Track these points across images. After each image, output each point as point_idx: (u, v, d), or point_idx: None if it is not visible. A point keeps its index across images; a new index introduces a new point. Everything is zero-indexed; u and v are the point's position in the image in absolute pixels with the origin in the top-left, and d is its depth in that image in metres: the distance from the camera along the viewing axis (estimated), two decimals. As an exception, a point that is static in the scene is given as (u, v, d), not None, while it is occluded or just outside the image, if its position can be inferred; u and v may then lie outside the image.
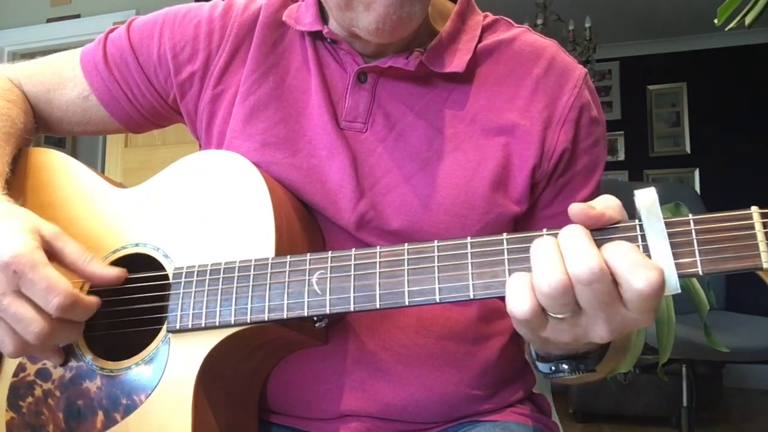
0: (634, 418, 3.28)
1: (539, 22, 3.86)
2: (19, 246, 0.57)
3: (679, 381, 2.39)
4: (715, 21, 1.18)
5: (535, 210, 0.73)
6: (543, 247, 0.47)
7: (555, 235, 0.48)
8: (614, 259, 0.46)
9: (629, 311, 0.47)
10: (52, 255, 0.61)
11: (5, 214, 0.61)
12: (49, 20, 4.19)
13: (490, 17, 0.78)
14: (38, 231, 0.61)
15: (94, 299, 0.61)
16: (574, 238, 0.47)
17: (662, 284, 0.44)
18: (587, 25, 3.99)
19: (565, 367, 0.57)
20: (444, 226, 0.68)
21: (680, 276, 0.46)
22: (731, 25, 1.18)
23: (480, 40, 0.74)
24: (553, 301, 0.46)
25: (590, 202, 0.50)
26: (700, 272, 0.46)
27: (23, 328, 0.58)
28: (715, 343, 1.50)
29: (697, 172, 4.67)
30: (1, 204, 0.63)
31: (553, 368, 0.58)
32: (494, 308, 0.73)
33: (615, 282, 0.46)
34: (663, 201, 0.50)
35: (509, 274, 0.50)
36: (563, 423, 3.23)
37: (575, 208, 0.48)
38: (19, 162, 0.75)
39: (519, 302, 0.47)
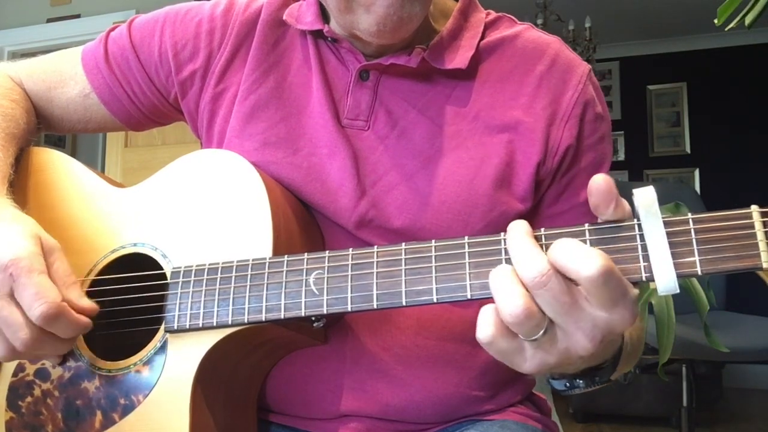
0: (634, 418, 3.28)
1: (539, 22, 3.86)
2: (21, 250, 0.57)
3: (679, 381, 2.38)
4: (715, 21, 1.18)
5: (539, 208, 0.73)
6: (499, 275, 0.47)
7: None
8: (557, 255, 0.45)
9: (595, 308, 0.45)
10: None
11: (11, 218, 0.61)
12: (49, 20, 4.19)
13: (493, 14, 0.78)
14: (40, 241, 0.60)
15: (83, 319, 0.59)
16: (517, 243, 0.47)
17: (610, 269, 0.44)
18: (587, 25, 3.99)
19: (581, 382, 0.57)
20: (446, 225, 0.68)
21: (679, 276, 0.46)
22: (731, 25, 1.18)
23: (482, 37, 0.74)
24: (521, 327, 0.46)
25: None
26: (699, 272, 0.46)
27: (12, 334, 0.57)
28: (715, 343, 1.50)
29: (697, 172, 4.66)
30: (7, 208, 0.63)
31: (567, 384, 0.58)
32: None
33: (571, 280, 0.45)
34: (663, 201, 0.50)
35: None
36: (563, 423, 3.23)
37: (600, 179, 0.47)
38: (20, 162, 0.75)
39: (481, 328, 0.47)
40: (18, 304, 0.57)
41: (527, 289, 0.45)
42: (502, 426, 0.71)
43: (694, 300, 1.42)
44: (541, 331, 0.46)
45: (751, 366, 4.21)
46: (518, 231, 0.48)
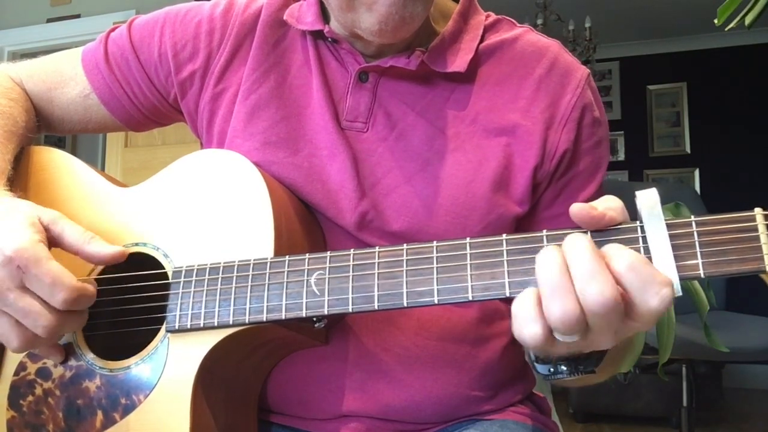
0: (634, 418, 3.28)
1: (539, 22, 3.86)
2: (22, 240, 0.57)
3: (679, 381, 2.39)
4: (715, 21, 1.18)
5: (536, 211, 0.73)
6: (551, 267, 0.45)
7: (559, 244, 0.47)
8: (626, 276, 0.44)
9: (636, 323, 0.46)
10: (53, 240, 0.61)
11: (6, 209, 0.61)
12: (49, 20, 4.19)
13: (493, 17, 0.78)
14: (39, 220, 0.60)
15: (93, 288, 0.61)
16: (583, 259, 0.44)
17: (673, 297, 0.44)
18: (587, 25, 3.99)
19: (564, 368, 0.57)
20: (444, 227, 0.68)
21: (682, 278, 0.46)
22: (731, 25, 1.18)
23: (482, 40, 0.74)
24: (566, 329, 0.45)
25: (592, 203, 0.49)
26: (702, 275, 0.46)
27: (32, 322, 0.58)
28: (715, 343, 1.50)
29: (697, 172, 4.66)
30: (2, 199, 0.63)
31: (551, 369, 0.58)
32: (494, 310, 0.73)
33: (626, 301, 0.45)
34: (663, 201, 0.50)
35: (508, 276, 0.50)
36: (563, 423, 3.22)
37: (576, 208, 0.48)
38: (21, 160, 0.75)
39: (529, 328, 0.46)
40: (32, 294, 0.58)
41: (581, 307, 0.44)
42: (502, 426, 0.71)
43: (694, 300, 1.42)
44: (581, 334, 0.46)
45: (751, 366, 4.21)
46: (580, 239, 0.46)
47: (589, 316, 0.45)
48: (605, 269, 0.44)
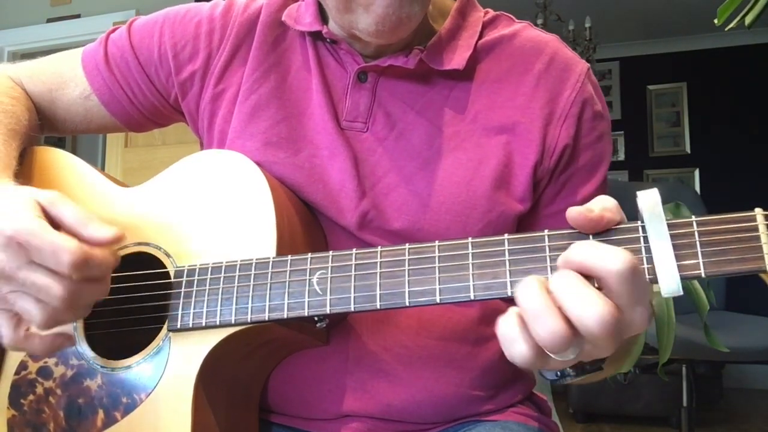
0: (634, 418, 3.28)
1: (539, 22, 3.86)
2: (19, 219, 0.55)
3: (679, 381, 2.39)
4: (715, 21, 1.18)
5: (538, 207, 0.73)
6: (530, 290, 0.45)
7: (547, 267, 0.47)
8: (580, 254, 0.44)
9: (621, 313, 0.45)
10: (53, 222, 0.58)
11: (6, 195, 0.59)
12: (49, 20, 4.19)
13: (491, 13, 0.78)
14: (36, 202, 0.58)
15: (107, 254, 0.57)
16: (567, 282, 0.44)
17: (636, 264, 0.43)
18: (587, 25, 3.99)
19: (571, 371, 0.57)
20: (445, 226, 0.68)
21: (683, 278, 0.46)
22: (731, 25, 1.18)
23: (481, 37, 0.74)
24: (556, 348, 0.44)
25: (587, 205, 0.49)
26: (703, 274, 0.46)
27: (46, 295, 0.55)
28: (715, 343, 1.50)
29: (697, 172, 4.66)
30: (5, 186, 0.62)
31: (558, 374, 0.58)
32: (495, 309, 0.73)
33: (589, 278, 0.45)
34: (663, 201, 0.50)
35: (510, 276, 0.50)
36: (563, 423, 3.22)
37: (573, 212, 0.47)
38: (24, 160, 0.75)
39: (516, 348, 0.45)
40: (42, 268, 0.55)
41: (568, 325, 0.43)
42: (504, 427, 0.71)
43: (694, 300, 1.42)
44: (573, 353, 0.45)
45: (751, 366, 4.21)
46: (566, 272, 0.45)
47: (588, 337, 0.44)
48: (590, 287, 0.44)
